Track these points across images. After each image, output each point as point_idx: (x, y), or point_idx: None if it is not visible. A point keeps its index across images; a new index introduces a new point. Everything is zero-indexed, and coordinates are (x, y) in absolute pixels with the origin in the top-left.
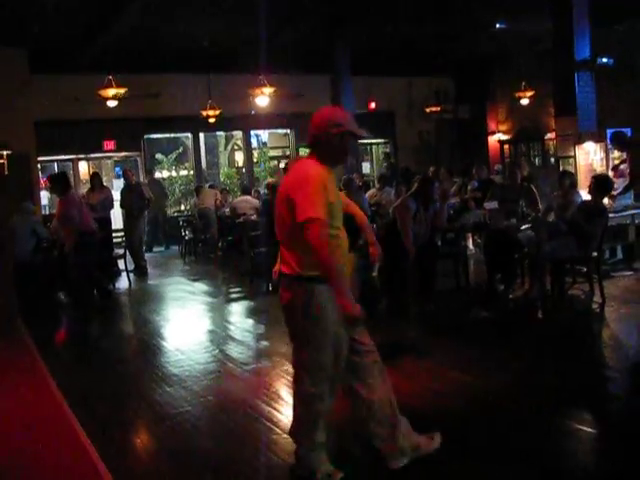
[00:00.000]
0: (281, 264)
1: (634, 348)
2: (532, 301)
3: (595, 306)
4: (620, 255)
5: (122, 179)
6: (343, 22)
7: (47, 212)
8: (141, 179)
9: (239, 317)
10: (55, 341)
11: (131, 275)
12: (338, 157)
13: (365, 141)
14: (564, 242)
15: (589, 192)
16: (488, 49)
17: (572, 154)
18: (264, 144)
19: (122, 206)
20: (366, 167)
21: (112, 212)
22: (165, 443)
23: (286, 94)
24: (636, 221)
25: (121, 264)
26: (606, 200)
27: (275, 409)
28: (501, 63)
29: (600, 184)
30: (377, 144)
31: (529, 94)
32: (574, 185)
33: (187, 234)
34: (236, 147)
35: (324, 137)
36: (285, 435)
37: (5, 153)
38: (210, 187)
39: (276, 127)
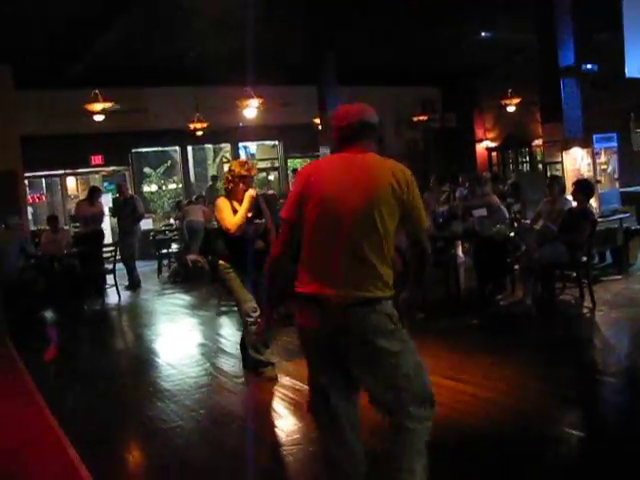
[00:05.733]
0: (352, 286)
1: (625, 352)
2: (523, 308)
3: (585, 311)
4: (609, 259)
5: (110, 194)
6: (330, 33)
7: (35, 228)
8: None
9: (230, 329)
10: (44, 359)
11: (121, 289)
12: None
13: None
14: (553, 248)
15: (573, 198)
16: (474, 58)
17: (559, 160)
18: (252, 156)
19: (113, 215)
20: None
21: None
22: (157, 459)
23: (274, 105)
24: (624, 225)
25: (110, 279)
26: (593, 202)
27: (267, 422)
28: (487, 71)
29: (581, 188)
30: None
31: (515, 101)
32: (563, 191)
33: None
34: (225, 159)
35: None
36: (277, 447)
37: None
38: (195, 201)
39: (264, 139)
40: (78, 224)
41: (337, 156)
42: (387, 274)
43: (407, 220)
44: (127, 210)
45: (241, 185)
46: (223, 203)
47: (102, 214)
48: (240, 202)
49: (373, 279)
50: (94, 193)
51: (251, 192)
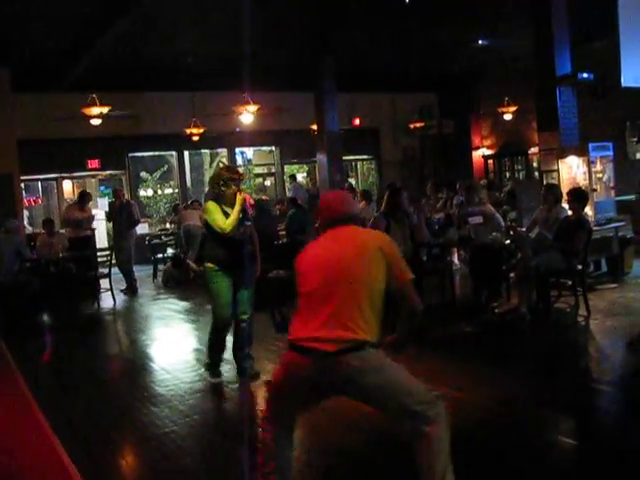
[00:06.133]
0: (345, 330)
1: (619, 360)
2: (519, 316)
3: (580, 319)
4: (604, 268)
5: (106, 198)
6: (327, 40)
7: (30, 231)
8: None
9: None
10: (38, 362)
11: (118, 294)
12: None
13: (350, 157)
14: (549, 256)
15: (569, 207)
16: (471, 65)
17: (555, 168)
18: (249, 161)
19: (109, 220)
20: (351, 183)
21: (96, 231)
22: (150, 464)
23: (271, 111)
24: (619, 234)
25: (106, 283)
26: (588, 211)
27: (260, 428)
28: (484, 79)
29: (576, 197)
30: (362, 160)
31: (512, 109)
32: (559, 200)
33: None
34: (221, 165)
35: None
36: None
37: None
38: (191, 205)
39: (261, 144)
40: (66, 228)
41: (326, 233)
42: (375, 321)
43: (392, 272)
44: (123, 215)
45: (233, 187)
46: (213, 206)
47: (91, 218)
48: (230, 205)
49: (362, 322)
50: (84, 197)
51: (243, 195)
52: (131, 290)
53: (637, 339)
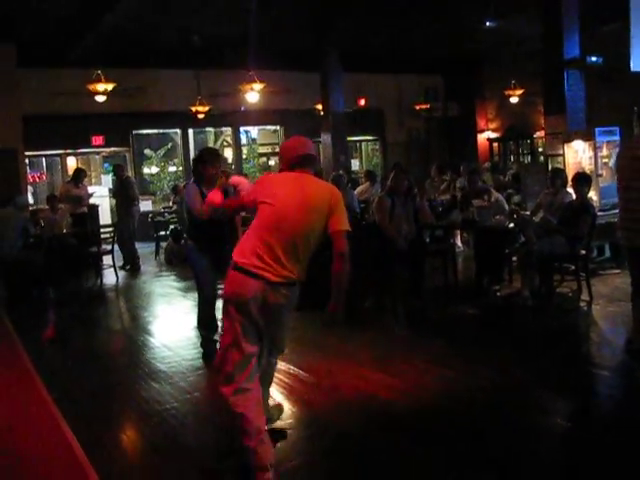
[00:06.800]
0: (284, 269)
1: (620, 346)
2: (521, 299)
3: (583, 304)
4: (608, 253)
5: (110, 175)
6: (333, 20)
7: (34, 207)
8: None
9: None
10: (41, 337)
11: (120, 271)
12: None
13: (355, 138)
14: (552, 240)
15: (574, 191)
16: (478, 47)
17: (561, 152)
18: (253, 140)
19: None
20: (355, 164)
21: (100, 208)
22: (151, 439)
23: (276, 90)
24: None
25: (109, 260)
26: (593, 196)
27: None
28: (490, 61)
29: (580, 180)
30: (367, 141)
31: (518, 92)
32: (565, 184)
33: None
34: (225, 144)
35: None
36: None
37: None
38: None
39: (266, 123)
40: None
41: (288, 173)
42: (305, 264)
43: (329, 220)
44: (123, 192)
45: (210, 169)
46: (192, 188)
47: (87, 196)
48: (209, 187)
49: (297, 266)
50: (78, 175)
51: (222, 180)
52: (133, 267)
53: (634, 337)
